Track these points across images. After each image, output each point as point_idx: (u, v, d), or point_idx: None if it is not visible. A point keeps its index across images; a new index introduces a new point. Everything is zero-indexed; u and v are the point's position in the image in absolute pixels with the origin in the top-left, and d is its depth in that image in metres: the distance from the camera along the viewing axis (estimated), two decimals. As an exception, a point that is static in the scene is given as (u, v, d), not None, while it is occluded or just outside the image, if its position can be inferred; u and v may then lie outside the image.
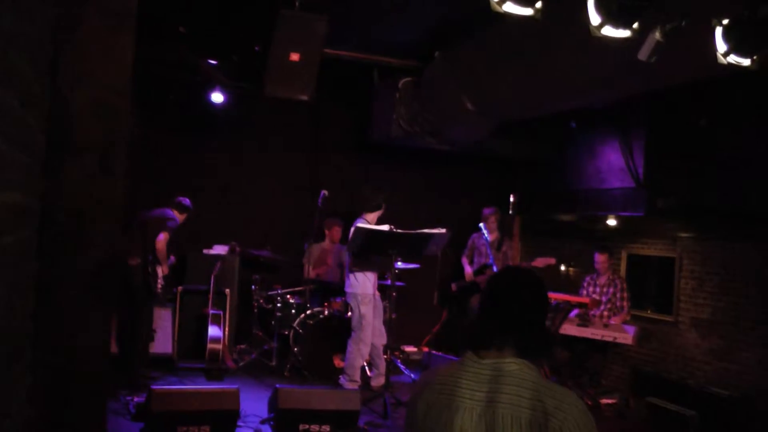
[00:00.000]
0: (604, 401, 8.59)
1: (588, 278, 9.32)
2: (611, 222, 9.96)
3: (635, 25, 4.43)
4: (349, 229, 8.17)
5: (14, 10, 2.15)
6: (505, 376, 2.34)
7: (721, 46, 4.61)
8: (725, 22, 4.58)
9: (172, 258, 8.47)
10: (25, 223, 2.70)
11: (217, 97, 9.29)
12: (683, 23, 4.35)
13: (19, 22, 2.24)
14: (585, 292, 9.20)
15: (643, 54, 4.50)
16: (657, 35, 4.40)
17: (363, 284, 8.24)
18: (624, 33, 4.43)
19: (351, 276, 8.31)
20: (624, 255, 10.18)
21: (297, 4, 6.91)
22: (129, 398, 7.13)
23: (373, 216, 8.26)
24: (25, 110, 2.48)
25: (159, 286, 8.21)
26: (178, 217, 8.41)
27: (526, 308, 2.48)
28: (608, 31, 4.41)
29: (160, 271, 8.23)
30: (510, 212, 10.89)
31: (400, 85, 8.68)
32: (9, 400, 2.57)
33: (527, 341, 2.43)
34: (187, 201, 8.61)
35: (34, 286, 3.04)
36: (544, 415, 2.25)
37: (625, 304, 8.93)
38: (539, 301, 2.53)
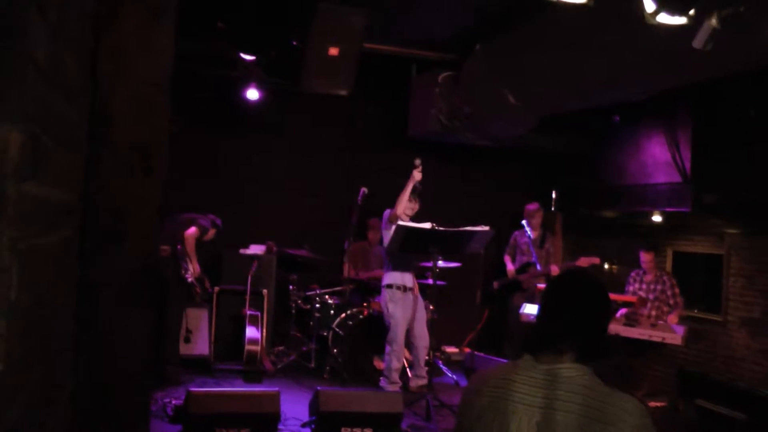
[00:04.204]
0: (653, 404, 8.45)
1: (633, 273, 9.15)
2: (656, 218, 9.81)
3: (691, 12, 4.33)
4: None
5: (60, 4, 2.11)
6: (561, 382, 2.31)
7: (781, 33, 4.50)
8: (785, 7, 4.47)
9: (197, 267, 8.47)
10: (68, 221, 2.67)
11: (252, 94, 9.27)
12: (741, 9, 4.24)
13: (64, 15, 2.21)
14: (631, 288, 9.05)
15: (698, 42, 4.39)
16: (713, 22, 4.29)
17: (397, 279, 8.19)
18: (679, 20, 4.33)
19: (386, 273, 8.28)
20: (669, 252, 10.03)
21: (336, -3, 6.88)
22: (167, 400, 7.13)
23: (401, 208, 8.11)
24: (69, 105, 2.45)
25: (188, 277, 8.24)
26: (209, 228, 8.49)
27: (588, 313, 2.45)
28: (663, 18, 4.31)
29: (191, 267, 8.26)
30: (552, 209, 10.81)
31: (439, 79, 8.60)
32: (53, 401, 2.55)
33: (587, 346, 2.40)
34: (218, 221, 8.69)
35: (76, 286, 3.02)
36: (602, 423, 2.20)
37: (678, 300, 8.76)
38: (601, 305, 2.50)
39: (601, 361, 2.40)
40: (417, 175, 8.05)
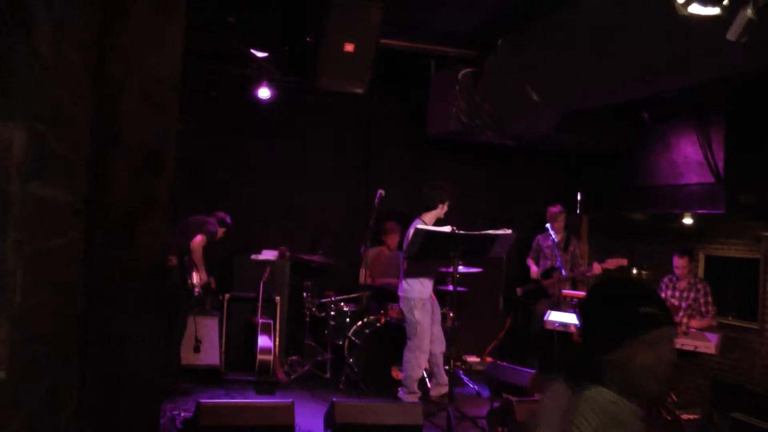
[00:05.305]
0: (685, 416, 8.39)
1: (666, 279, 9.08)
2: (687, 221, 9.74)
3: (725, 2, 4.29)
4: (405, 234, 8.14)
5: (65, -2, 2.13)
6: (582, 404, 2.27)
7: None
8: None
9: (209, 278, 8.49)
10: (74, 223, 2.69)
11: (264, 93, 9.28)
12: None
13: (69, 11, 2.22)
14: (663, 295, 8.97)
15: (732, 34, 4.34)
16: (749, 12, 4.24)
17: (417, 288, 8.16)
18: (713, 11, 4.29)
19: (404, 280, 8.24)
20: (702, 257, 9.96)
21: (350, -10, 6.88)
22: (176, 412, 7.15)
23: (430, 216, 8.18)
24: (74, 104, 2.46)
25: (196, 290, 8.26)
26: (218, 229, 8.51)
27: (587, 328, 2.40)
28: (695, 9, 4.28)
29: (196, 276, 8.27)
30: (577, 211, 10.76)
31: (459, 76, 8.56)
32: (59, 409, 2.56)
33: (571, 360, 2.37)
34: (228, 218, 8.71)
35: (82, 290, 3.04)
36: None
37: (710, 309, 8.67)
38: (591, 315, 2.42)
39: (583, 380, 2.29)
40: None
